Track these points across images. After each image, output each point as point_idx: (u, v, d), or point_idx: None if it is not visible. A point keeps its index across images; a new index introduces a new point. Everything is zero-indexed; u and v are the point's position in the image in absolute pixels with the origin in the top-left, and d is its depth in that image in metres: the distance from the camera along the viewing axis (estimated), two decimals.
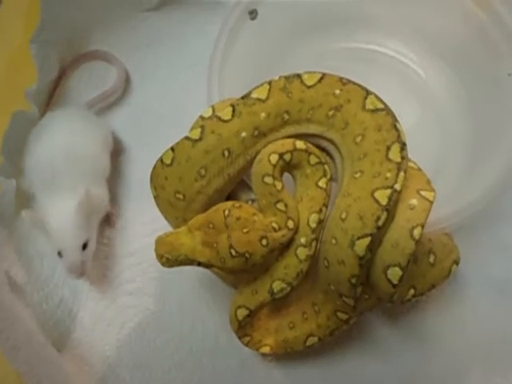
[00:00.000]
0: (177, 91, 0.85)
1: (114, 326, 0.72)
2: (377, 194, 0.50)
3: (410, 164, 0.55)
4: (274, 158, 0.54)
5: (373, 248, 0.50)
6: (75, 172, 0.70)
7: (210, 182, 0.56)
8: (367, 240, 0.49)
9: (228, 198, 0.60)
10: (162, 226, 0.62)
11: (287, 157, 0.55)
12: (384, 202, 0.49)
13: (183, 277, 0.73)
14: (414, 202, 0.51)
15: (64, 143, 0.72)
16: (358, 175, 0.52)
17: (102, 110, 0.84)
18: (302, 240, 0.55)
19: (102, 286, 0.75)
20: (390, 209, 0.49)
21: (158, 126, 0.83)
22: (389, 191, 0.49)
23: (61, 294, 0.74)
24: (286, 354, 0.64)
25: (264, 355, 0.68)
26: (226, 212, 0.53)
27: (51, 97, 0.85)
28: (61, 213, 0.67)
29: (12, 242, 0.75)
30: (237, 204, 0.54)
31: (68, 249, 0.67)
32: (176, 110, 0.82)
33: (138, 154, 0.82)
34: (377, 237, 0.50)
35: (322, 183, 0.56)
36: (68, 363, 0.70)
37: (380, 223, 0.49)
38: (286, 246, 0.56)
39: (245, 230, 0.52)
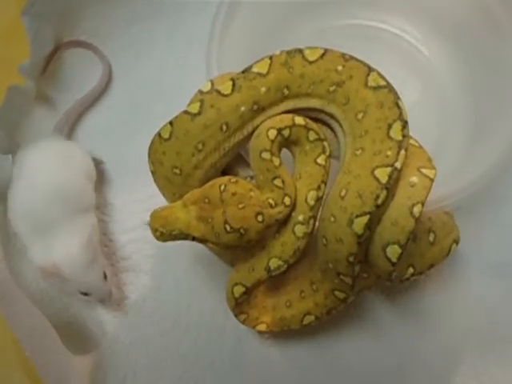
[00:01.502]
0: (174, 67, 0.84)
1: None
2: (377, 172, 0.49)
3: (411, 141, 0.54)
4: (273, 133, 0.54)
5: (371, 226, 0.50)
6: (66, 210, 0.67)
7: (206, 156, 0.55)
8: (366, 218, 0.49)
9: (226, 174, 0.59)
10: (159, 203, 0.61)
11: (286, 132, 0.54)
12: (384, 180, 0.49)
13: (180, 254, 0.73)
14: (414, 179, 0.51)
15: (48, 183, 0.68)
16: (358, 152, 0.52)
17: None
18: (300, 217, 0.55)
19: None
20: (390, 187, 0.49)
21: (155, 102, 0.81)
22: (389, 169, 0.49)
23: None
24: (283, 332, 0.63)
25: (261, 333, 0.68)
26: (222, 187, 0.52)
27: (44, 72, 0.84)
28: (69, 255, 0.64)
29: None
30: (233, 179, 0.54)
31: (93, 287, 0.66)
32: (174, 87, 0.81)
33: (135, 130, 0.80)
34: (376, 215, 0.49)
35: (320, 160, 0.55)
36: (64, 338, 0.69)
37: (379, 201, 0.49)
38: (283, 223, 0.56)
39: (240, 206, 0.52)
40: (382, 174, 0.49)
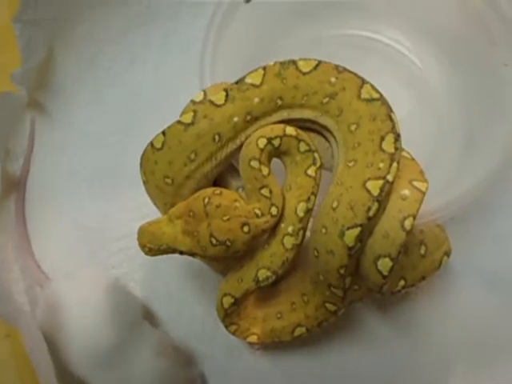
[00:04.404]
0: (169, 73, 0.83)
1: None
2: (369, 185, 0.49)
3: (404, 153, 0.54)
4: (263, 142, 0.54)
5: (362, 238, 0.50)
6: (124, 332, 0.64)
7: (198, 166, 0.55)
8: (357, 230, 0.49)
9: (218, 185, 0.59)
10: (151, 212, 0.62)
11: (276, 142, 0.54)
12: (376, 192, 0.49)
13: (171, 263, 0.72)
14: (406, 192, 0.51)
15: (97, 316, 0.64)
16: (351, 164, 0.52)
17: None
18: (289, 229, 0.55)
19: (88, 271, 0.73)
20: (382, 200, 0.49)
21: (150, 109, 0.81)
22: (381, 182, 0.49)
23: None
24: (273, 343, 0.63)
25: (251, 344, 0.68)
26: (206, 200, 0.52)
27: (40, 80, 0.83)
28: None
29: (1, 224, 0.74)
30: (217, 191, 0.54)
31: None
32: (168, 93, 0.80)
33: (127, 138, 0.80)
34: (367, 227, 0.49)
35: (311, 171, 0.55)
36: None
37: (371, 214, 0.49)
38: (273, 234, 0.56)
39: (225, 218, 0.52)
40: (374, 187, 0.49)
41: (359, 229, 0.49)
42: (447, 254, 0.60)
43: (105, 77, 0.85)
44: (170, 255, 0.56)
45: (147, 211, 0.65)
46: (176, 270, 0.72)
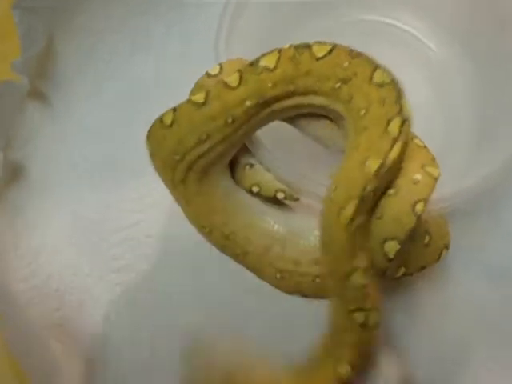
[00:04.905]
0: (170, 65, 0.83)
1: (101, 303, 0.71)
2: (368, 163, 0.48)
3: (416, 141, 0.54)
4: None
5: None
6: None
7: (211, 148, 0.55)
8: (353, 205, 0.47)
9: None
10: (153, 202, 0.61)
11: None
12: (373, 170, 0.47)
13: (174, 256, 0.72)
14: (418, 176, 0.51)
15: None
16: (355, 148, 0.51)
17: None
18: None
19: (89, 263, 0.73)
20: (380, 179, 0.48)
21: (149, 101, 0.78)
22: (380, 161, 0.48)
23: (49, 270, 0.73)
24: None
25: None
26: None
27: (40, 69, 0.82)
28: None
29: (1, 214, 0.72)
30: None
31: None
32: (171, 83, 0.78)
33: (128, 130, 0.78)
34: (363, 205, 0.48)
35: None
36: (53, 340, 0.69)
37: (365, 192, 0.47)
38: None
39: None
40: (373, 165, 0.47)
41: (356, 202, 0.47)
42: (447, 246, 0.60)
43: (105, 68, 0.84)
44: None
45: (149, 202, 0.64)
46: (180, 262, 0.72)
